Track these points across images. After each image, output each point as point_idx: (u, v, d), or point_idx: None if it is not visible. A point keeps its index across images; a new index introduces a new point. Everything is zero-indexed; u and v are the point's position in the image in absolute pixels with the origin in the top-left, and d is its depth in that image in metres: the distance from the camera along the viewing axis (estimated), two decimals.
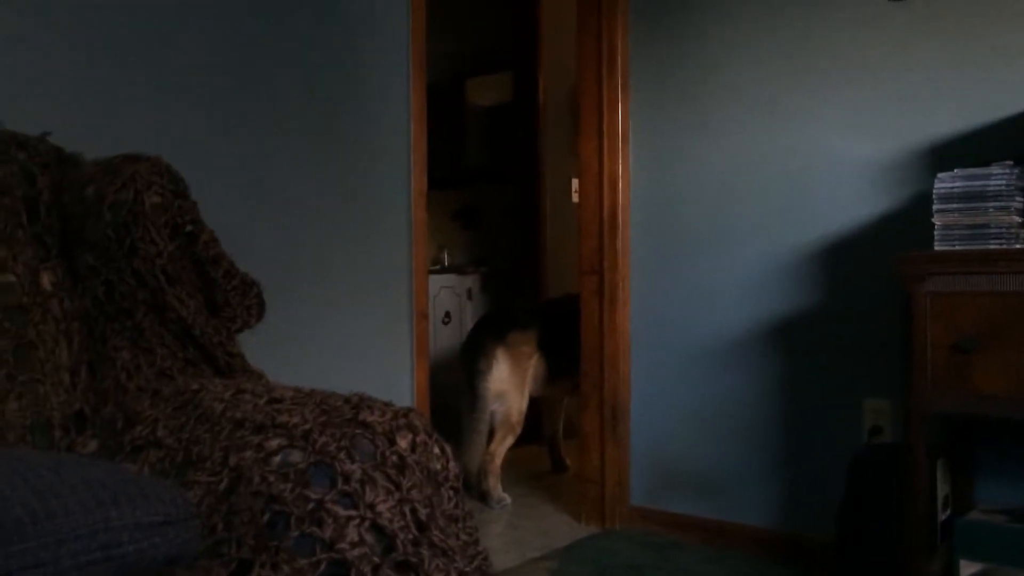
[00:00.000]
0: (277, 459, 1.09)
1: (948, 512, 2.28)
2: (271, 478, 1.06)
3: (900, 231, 2.43)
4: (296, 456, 1.08)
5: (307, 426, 1.11)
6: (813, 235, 2.63)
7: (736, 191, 2.81)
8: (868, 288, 2.51)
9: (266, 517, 1.04)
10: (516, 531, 3.03)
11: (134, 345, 1.34)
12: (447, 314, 4.73)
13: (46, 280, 1.31)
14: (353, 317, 2.47)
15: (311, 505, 1.03)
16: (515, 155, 4.96)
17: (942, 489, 2.27)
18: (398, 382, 2.61)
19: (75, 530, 0.84)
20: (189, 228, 1.40)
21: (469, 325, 4.32)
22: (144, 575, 0.90)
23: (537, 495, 3.55)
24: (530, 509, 3.32)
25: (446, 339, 4.71)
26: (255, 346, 1.61)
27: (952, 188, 1.96)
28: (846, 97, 2.57)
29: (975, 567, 2.16)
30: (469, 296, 4.88)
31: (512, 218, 5.04)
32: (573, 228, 3.61)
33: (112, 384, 1.31)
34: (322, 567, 1.00)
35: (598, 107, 3.07)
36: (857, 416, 2.54)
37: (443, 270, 5.01)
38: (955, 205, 1.95)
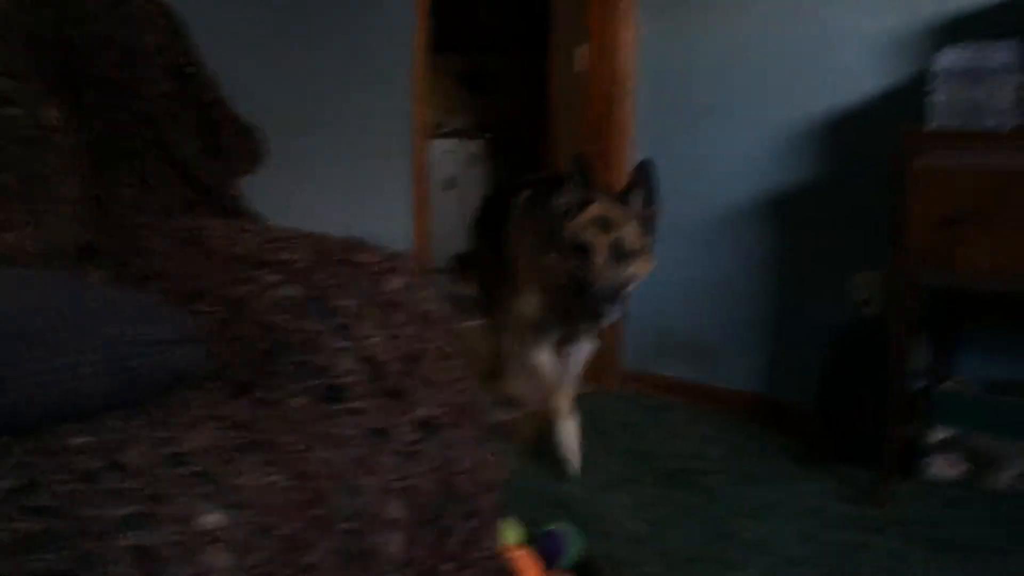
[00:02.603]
0: (276, 293, 1.15)
1: (926, 382, 2.37)
2: (270, 310, 1.13)
3: (904, 107, 2.41)
4: (293, 290, 1.14)
5: (304, 263, 1.17)
6: (817, 109, 2.62)
7: (741, 64, 2.77)
8: (869, 162, 2.51)
9: (265, 345, 1.10)
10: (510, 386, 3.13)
11: (140, 183, 1.38)
12: (452, 180, 4.70)
13: (51, 115, 1.34)
14: (354, 172, 2.50)
15: (307, 335, 1.09)
16: (525, 20, 4.85)
17: (922, 360, 2.35)
18: (394, 236, 2.65)
19: (94, 342, 0.91)
20: (191, 70, 1.41)
21: (474, 192, 4.31)
22: (154, 388, 0.98)
23: None
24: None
25: (453, 206, 4.67)
26: (256, 192, 1.65)
27: (953, 64, 1.94)
28: None
29: (948, 432, 2.27)
30: (474, 162, 4.87)
31: (521, 85, 4.98)
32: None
33: (118, 219, 1.36)
34: (317, 392, 1.08)
35: None
36: (848, 289, 2.59)
37: (446, 135, 4.97)
38: (955, 82, 1.94)
